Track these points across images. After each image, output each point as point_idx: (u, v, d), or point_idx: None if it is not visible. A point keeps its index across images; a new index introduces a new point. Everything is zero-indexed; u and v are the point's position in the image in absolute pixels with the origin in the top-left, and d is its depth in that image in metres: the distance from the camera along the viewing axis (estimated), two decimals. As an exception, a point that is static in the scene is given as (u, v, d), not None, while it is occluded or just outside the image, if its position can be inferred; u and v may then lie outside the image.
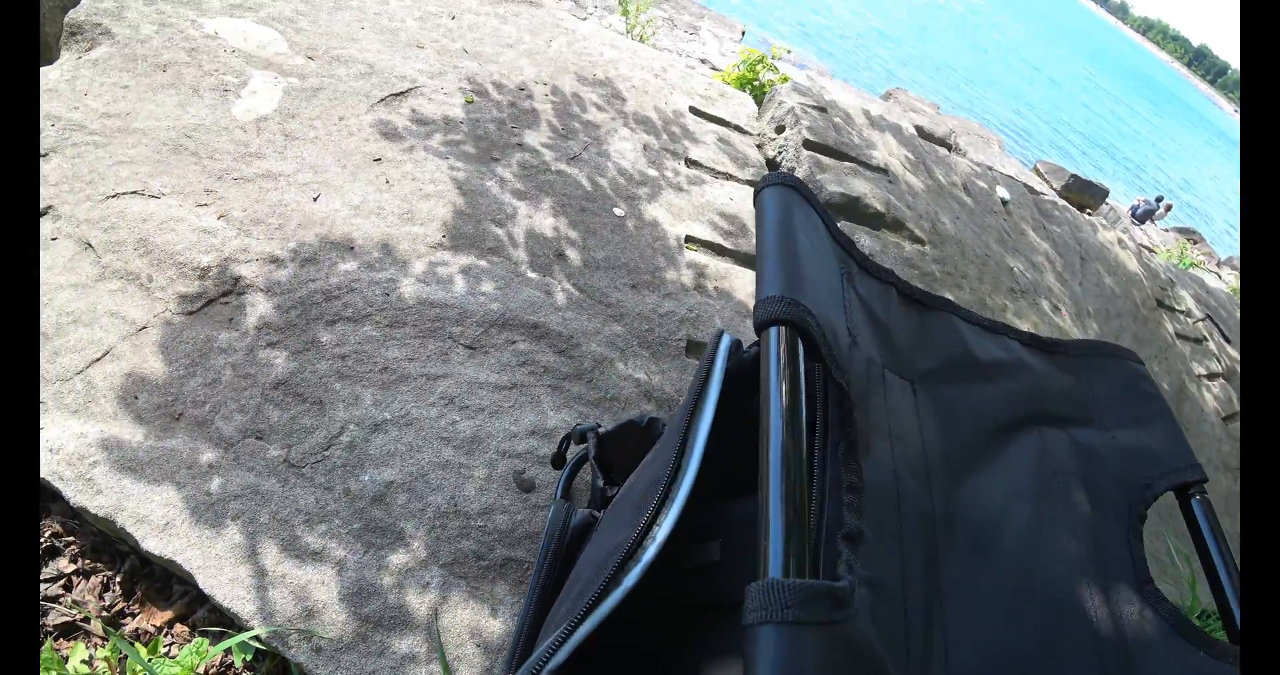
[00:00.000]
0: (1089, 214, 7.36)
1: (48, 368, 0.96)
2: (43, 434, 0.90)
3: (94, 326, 1.01)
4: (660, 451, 0.66)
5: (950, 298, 1.90)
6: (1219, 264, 7.37)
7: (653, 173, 1.68)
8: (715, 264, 1.55)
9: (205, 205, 1.18)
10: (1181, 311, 2.77)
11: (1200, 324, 2.80)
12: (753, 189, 0.61)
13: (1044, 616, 0.51)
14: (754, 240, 1.62)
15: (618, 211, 1.51)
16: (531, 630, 0.65)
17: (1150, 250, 6.34)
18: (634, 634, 0.51)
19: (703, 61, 5.06)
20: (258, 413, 0.97)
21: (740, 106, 2.25)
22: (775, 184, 0.56)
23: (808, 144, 2.06)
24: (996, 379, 0.64)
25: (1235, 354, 2.84)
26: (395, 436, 1.00)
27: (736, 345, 0.63)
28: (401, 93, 1.53)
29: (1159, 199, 8.53)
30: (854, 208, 1.89)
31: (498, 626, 0.89)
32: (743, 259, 1.62)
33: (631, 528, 0.50)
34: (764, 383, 0.42)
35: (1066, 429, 0.65)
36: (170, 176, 1.21)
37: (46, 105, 1.28)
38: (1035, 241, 2.42)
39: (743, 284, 1.53)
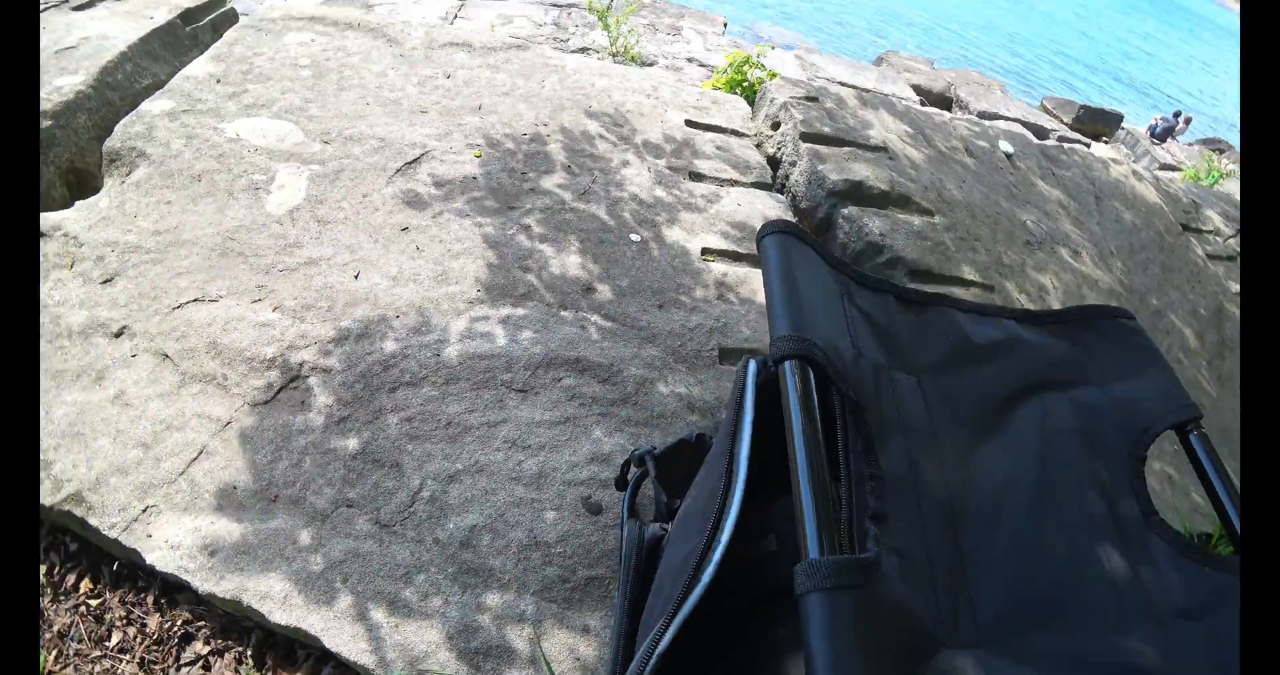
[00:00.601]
0: (1105, 142, 7.14)
1: (154, 473, 1.07)
2: (161, 533, 1.01)
3: (185, 430, 1.12)
4: (712, 467, 0.74)
5: (965, 264, 1.90)
6: (1253, 171, 7.07)
7: (661, 193, 1.75)
8: (734, 271, 1.60)
9: (259, 300, 1.29)
10: (1210, 231, 2.70)
11: (1231, 241, 2.73)
12: (757, 232, 0.69)
13: (1058, 561, 0.58)
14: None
15: (635, 238, 1.58)
16: (628, 637, 0.73)
17: (1175, 168, 6.12)
18: (715, 622, 0.59)
19: (689, 61, 5.11)
20: (343, 483, 1.07)
21: (734, 110, 2.30)
22: (773, 233, 0.65)
23: (804, 136, 2.10)
24: (996, 358, 0.70)
25: (1279, 268, 2.76)
26: (470, 484, 1.09)
27: (764, 364, 0.70)
28: (415, 160, 1.64)
29: (1177, 114, 8.22)
30: (858, 192, 1.92)
31: (592, 640, 0.97)
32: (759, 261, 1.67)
33: (700, 534, 0.59)
34: (785, 409, 0.52)
35: (1066, 392, 0.70)
36: (224, 279, 1.33)
37: (103, 233, 1.40)
38: (1046, 190, 2.40)
39: (762, 286, 1.58)
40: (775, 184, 2.04)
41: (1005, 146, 2.60)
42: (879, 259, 1.80)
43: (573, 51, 4.43)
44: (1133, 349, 0.77)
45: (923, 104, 6.09)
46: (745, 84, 2.57)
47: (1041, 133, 6.51)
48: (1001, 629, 0.53)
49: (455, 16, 4.65)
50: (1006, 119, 6.42)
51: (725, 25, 6.34)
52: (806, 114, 2.16)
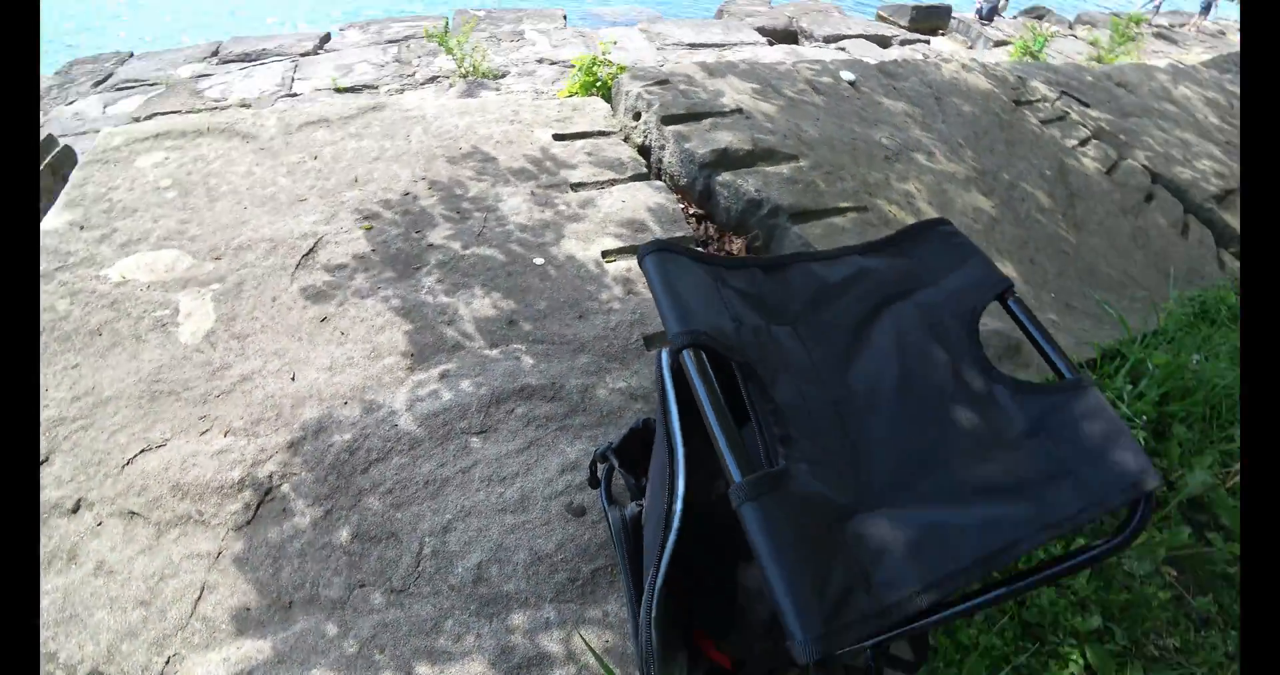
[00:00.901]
0: (942, 34, 7.59)
1: (163, 625, 1.08)
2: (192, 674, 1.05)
3: (180, 575, 1.14)
4: (659, 446, 0.88)
5: (837, 195, 2.08)
6: (1070, 27, 7.68)
7: (548, 214, 1.85)
8: (635, 265, 1.72)
9: (207, 430, 1.33)
10: (1038, 100, 2.99)
11: (1058, 103, 3.03)
12: (637, 253, 0.84)
13: (926, 426, 0.75)
14: (658, 234, 1.82)
15: (537, 262, 1.68)
16: (637, 598, 0.86)
17: (1006, 42, 6.58)
18: (694, 553, 0.74)
19: (540, 61, 5.15)
20: (349, 569, 1.14)
21: (595, 111, 2.41)
22: (649, 253, 0.80)
23: (664, 120, 2.22)
24: (850, 291, 0.85)
25: (1096, 113, 3.08)
26: (464, 528, 1.18)
27: (675, 352, 0.83)
28: (310, 251, 1.68)
29: (997, -8, 8.79)
30: (726, 158, 2.07)
31: (611, 621, 1.09)
32: (657, 248, 1.80)
33: (663, 499, 0.74)
34: (691, 385, 0.67)
35: (910, 299, 0.86)
36: (164, 422, 1.34)
37: (21, 414, 1.38)
38: (891, 105, 2.61)
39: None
40: (651, 171, 2.16)
41: (846, 76, 2.80)
42: (761, 212, 1.95)
43: (423, 83, 4.40)
44: (953, 248, 0.93)
45: (771, 43, 6.34)
46: (599, 83, 2.67)
47: (885, 42, 6.87)
48: (894, 488, 0.69)
49: (293, 80, 4.54)
50: (850, 37, 6.74)
51: (565, 18, 6.40)
52: (661, 98, 2.29)
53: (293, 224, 1.78)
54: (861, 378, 0.80)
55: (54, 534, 1.21)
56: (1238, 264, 2.57)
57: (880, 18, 7.79)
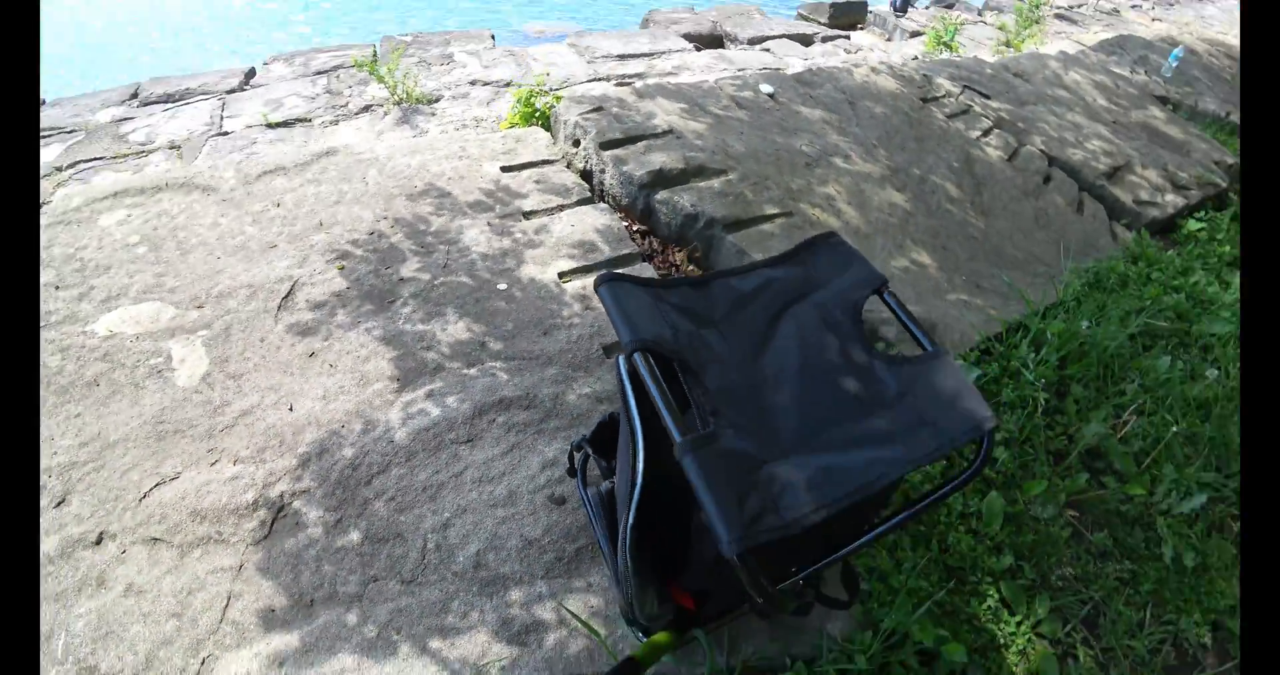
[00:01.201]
0: (861, 29, 8.00)
1: (196, 631, 1.22)
2: (227, 671, 1.20)
3: (206, 588, 1.28)
4: (624, 434, 1.09)
5: (764, 203, 2.33)
6: (980, 13, 8.20)
7: (506, 242, 2.03)
8: (589, 282, 1.92)
9: (216, 462, 1.48)
10: (943, 96, 3.30)
11: (961, 97, 3.34)
12: (594, 284, 1.04)
13: (822, 394, 0.97)
14: (607, 253, 2.02)
15: (501, 287, 1.86)
16: (613, 548, 1.08)
17: (921, 33, 7.01)
18: (653, 505, 0.94)
19: (473, 83, 5.27)
20: (362, 567, 1.31)
21: (537, 141, 2.59)
22: (603, 283, 1.01)
23: (602, 145, 2.43)
24: (760, 297, 1.07)
25: (996, 104, 3.40)
26: (461, 523, 1.36)
27: (628, 356, 1.04)
28: (288, 293, 1.83)
29: (911, -15, 9.25)
30: (662, 177, 2.28)
31: (595, 589, 1.29)
32: (606, 266, 2.00)
33: (631, 469, 0.94)
34: (643, 380, 0.89)
35: (808, 299, 1.07)
36: (173, 458, 1.49)
37: (33, 464, 1.50)
38: (809, 113, 2.87)
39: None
40: (595, 195, 2.36)
41: (765, 88, 3.05)
42: (698, 225, 2.17)
43: (356, 113, 4.45)
44: (840, 255, 1.16)
45: (698, 49, 6.60)
46: (538, 113, 2.85)
47: (807, 40, 7.20)
48: (797, 444, 0.90)
49: (222, 118, 4.52)
50: (774, 38, 7.06)
51: (493, 38, 6.52)
52: (597, 124, 2.49)
53: (267, 269, 1.91)
54: (771, 363, 1.02)
55: (80, 565, 1.33)
56: (1129, 234, 2.90)
57: (801, 17, 8.14)
